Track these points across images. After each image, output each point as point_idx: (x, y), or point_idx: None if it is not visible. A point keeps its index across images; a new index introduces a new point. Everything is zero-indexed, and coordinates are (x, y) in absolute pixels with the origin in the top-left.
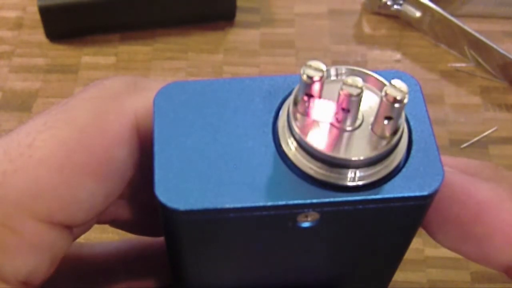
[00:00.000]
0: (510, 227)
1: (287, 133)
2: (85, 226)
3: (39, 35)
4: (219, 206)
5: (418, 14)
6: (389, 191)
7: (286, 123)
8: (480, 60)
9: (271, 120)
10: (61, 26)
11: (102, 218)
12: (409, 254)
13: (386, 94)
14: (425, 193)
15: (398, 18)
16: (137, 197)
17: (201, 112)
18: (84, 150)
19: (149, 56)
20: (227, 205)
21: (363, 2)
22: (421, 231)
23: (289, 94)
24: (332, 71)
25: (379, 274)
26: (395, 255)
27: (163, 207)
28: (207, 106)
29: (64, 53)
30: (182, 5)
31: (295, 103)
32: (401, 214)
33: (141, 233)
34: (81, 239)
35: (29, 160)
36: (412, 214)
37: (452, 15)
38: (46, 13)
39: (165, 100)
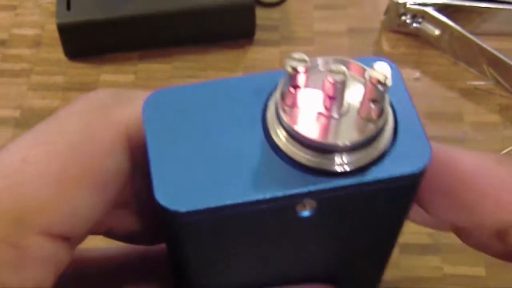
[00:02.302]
0: (498, 191)
1: (277, 125)
2: (82, 237)
3: (58, 53)
4: (219, 203)
5: (437, 32)
6: (382, 172)
7: (275, 116)
8: (499, 78)
9: (259, 114)
10: (80, 44)
11: (97, 229)
12: (428, 272)
13: (370, 77)
14: (415, 170)
15: (417, 36)
16: (131, 206)
17: (190, 115)
18: (77, 162)
19: (168, 74)
20: (228, 202)
21: (383, 20)
22: (439, 248)
23: (275, 87)
24: (315, 62)
25: (376, 259)
26: (390, 236)
27: (164, 210)
28: (196, 108)
29: (82, 71)
30: (202, 23)
31: (282, 96)
32: (395, 193)
33: (136, 242)
34: (82, 244)
35: (23, 175)
36: (405, 192)
37: (471, 33)
38: (64, 31)
39: (153, 107)
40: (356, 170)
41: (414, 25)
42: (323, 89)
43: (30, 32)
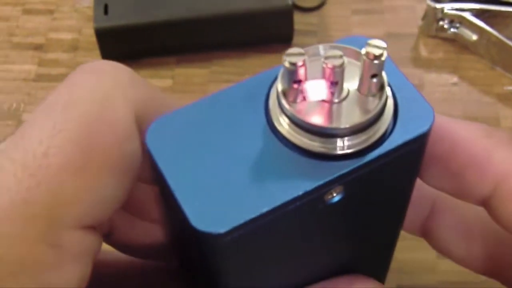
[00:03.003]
0: (482, 163)
1: (287, 122)
2: (106, 224)
3: (95, 58)
4: (257, 213)
5: (474, 37)
6: (396, 140)
7: (280, 112)
8: None
9: (262, 114)
10: (117, 48)
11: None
12: (465, 277)
13: (368, 53)
14: (425, 130)
15: (455, 42)
16: (131, 209)
17: (195, 134)
18: (98, 149)
19: (206, 79)
20: (264, 209)
21: (420, 26)
22: None
23: (274, 84)
24: (309, 53)
25: (391, 234)
26: (403, 203)
27: (204, 235)
28: (198, 126)
29: None
30: (240, 27)
31: (285, 93)
32: (408, 157)
33: (134, 253)
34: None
35: (48, 170)
36: (416, 154)
37: (508, 38)
38: (102, 35)
39: (157, 137)
40: (376, 143)
41: (452, 30)
42: (323, 76)
43: (67, 36)
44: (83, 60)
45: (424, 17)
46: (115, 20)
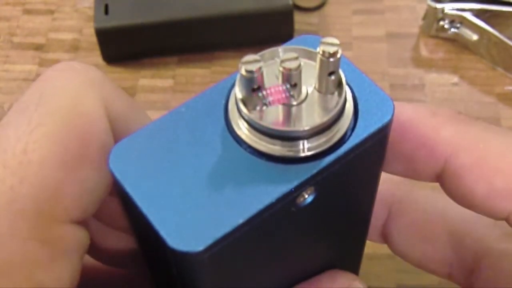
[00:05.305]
0: (430, 141)
1: (249, 130)
2: (90, 218)
3: (96, 58)
4: (234, 225)
5: (475, 37)
6: (363, 132)
7: (242, 121)
8: None
9: (224, 124)
10: (118, 49)
11: None
12: None
13: (323, 52)
14: (388, 119)
15: (456, 42)
16: (110, 221)
17: (159, 153)
18: (76, 142)
19: (207, 79)
20: (240, 220)
21: (421, 26)
22: None
23: (231, 92)
24: (265, 57)
25: (362, 227)
26: (372, 194)
27: (183, 255)
28: (162, 145)
29: (121, 75)
30: (240, 27)
31: (244, 102)
32: (374, 148)
33: (119, 263)
34: None
35: (29, 166)
36: (381, 144)
37: (509, 38)
38: (102, 35)
39: (120, 161)
40: (338, 142)
41: (452, 30)
42: (282, 80)
43: (67, 36)
44: (83, 60)
45: (424, 17)
46: (116, 20)
